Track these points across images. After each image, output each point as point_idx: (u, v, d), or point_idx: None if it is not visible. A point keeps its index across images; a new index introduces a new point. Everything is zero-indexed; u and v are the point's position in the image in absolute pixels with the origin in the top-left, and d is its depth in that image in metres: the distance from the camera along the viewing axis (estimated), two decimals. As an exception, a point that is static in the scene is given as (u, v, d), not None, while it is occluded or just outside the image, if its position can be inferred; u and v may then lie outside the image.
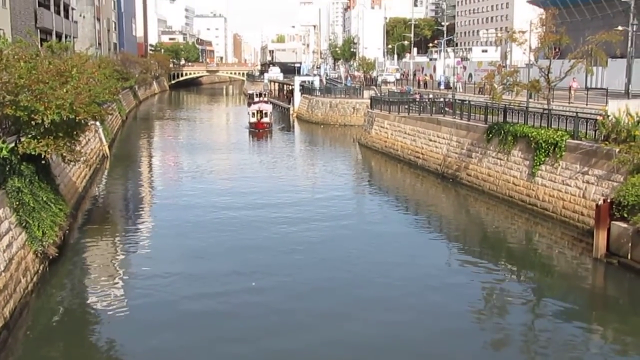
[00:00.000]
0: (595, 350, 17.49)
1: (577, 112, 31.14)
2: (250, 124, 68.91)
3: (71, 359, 16.75)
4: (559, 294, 21.65)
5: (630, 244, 22.40)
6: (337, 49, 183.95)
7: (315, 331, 18.47)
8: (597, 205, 23.99)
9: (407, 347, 17.21)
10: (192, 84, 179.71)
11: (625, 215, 22.96)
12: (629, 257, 22.42)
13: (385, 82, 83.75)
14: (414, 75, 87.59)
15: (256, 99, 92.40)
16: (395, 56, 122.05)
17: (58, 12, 65.41)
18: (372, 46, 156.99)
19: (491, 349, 17.44)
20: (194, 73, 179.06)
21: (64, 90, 21.53)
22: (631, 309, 20.76)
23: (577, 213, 27.47)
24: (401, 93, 62.60)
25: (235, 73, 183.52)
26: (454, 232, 30.25)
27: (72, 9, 75.49)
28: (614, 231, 23.17)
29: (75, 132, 23.95)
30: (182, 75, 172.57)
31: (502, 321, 19.16)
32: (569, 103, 39.05)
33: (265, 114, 68.78)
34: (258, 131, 66.21)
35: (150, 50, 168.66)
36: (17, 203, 20.64)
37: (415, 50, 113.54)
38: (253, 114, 69.03)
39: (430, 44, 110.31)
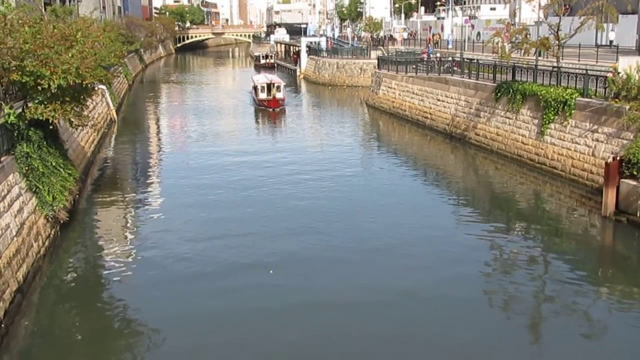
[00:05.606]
0: (604, 307, 17.60)
1: (586, 70, 30.78)
2: (260, 101, 53.80)
3: (84, 321, 16.96)
4: (567, 252, 21.73)
5: (639, 202, 22.35)
6: (343, 9, 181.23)
7: (323, 277, 19.14)
8: (606, 163, 23.89)
9: (415, 303, 17.35)
10: (198, 47, 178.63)
11: (635, 173, 22.88)
12: (638, 214, 22.39)
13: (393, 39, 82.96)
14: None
15: (262, 61, 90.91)
16: (403, 15, 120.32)
17: (61, -24, 64.63)
18: (379, 6, 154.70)
19: (499, 306, 17.56)
20: (200, 36, 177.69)
21: (70, 55, 21.44)
22: (640, 267, 20.86)
23: (586, 171, 27.37)
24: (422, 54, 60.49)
25: (241, 35, 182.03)
26: (462, 190, 30.24)
27: (76, -28, 74.58)
28: (623, 189, 23.11)
29: (82, 97, 23.95)
30: (187, 38, 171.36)
31: (510, 278, 19.23)
32: None
33: (278, 87, 53.54)
34: (272, 110, 52.54)
35: (155, 13, 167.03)
36: (27, 168, 20.74)
37: (422, 9, 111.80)
38: (262, 87, 53.67)
39: (438, 3, 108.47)
